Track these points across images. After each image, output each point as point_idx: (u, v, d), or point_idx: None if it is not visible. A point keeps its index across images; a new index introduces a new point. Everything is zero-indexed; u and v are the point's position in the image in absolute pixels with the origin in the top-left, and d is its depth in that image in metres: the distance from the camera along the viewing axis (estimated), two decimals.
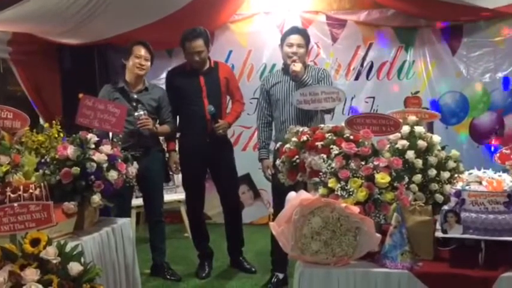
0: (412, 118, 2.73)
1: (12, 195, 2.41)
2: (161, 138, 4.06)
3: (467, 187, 2.29)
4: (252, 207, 5.40)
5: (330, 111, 3.51)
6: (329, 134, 2.75)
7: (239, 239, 4.14)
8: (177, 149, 4.04)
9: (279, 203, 3.33)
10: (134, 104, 3.71)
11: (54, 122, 3.19)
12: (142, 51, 3.72)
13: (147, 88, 3.80)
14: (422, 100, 5.01)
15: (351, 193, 2.26)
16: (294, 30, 3.63)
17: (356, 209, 2.14)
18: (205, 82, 3.85)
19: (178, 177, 4.43)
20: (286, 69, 3.59)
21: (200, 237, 4.10)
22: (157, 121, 3.85)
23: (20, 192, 2.43)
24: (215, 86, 3.88)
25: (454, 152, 2.63)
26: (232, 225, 4.10)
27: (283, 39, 3.60)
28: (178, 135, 4.05)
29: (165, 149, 4.08)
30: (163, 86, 4.03)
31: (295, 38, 3.54)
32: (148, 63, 3.76)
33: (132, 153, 3.22)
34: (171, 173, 4.11)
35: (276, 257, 3.66)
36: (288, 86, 3.57)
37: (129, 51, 3.74)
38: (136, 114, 3.64)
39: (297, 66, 3.44)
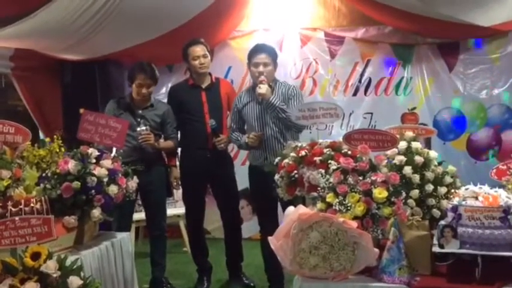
0: (409, 134, 2.76)
1: (13, 209, 2.43)
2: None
3: (463, 202, 2.32)
4: (250, 222, 5.36)
5: (301, 129, 3.52)
6: (327, 149, 2.78)
7: (238, 254, 4.13)
8: (177, 164, 4.06)
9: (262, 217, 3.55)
10: (138, 119, 3.74)
11: (55, 136, 3.22)
12: (146, 80, 3.71)
13: (152, 104, 3.83)
14: (420, 116, 5.10)
15: (348, 208, 2.28)
16: (259, 49, 3.59)
17: (354, 224, 2.16)
18: (207, 98, 3.89)
19: (178, 192, 4.43)
20: (255, 87, 3.56)
21: (199, 252, 4.10)
22: (162, 137, 3.88)
23: (21, 206, 2.45)
24: (217, 101, 3.92)
25: (451, 168, 2.65)
26: (232, 240, 4.10)
27: (249, 59, 3.58)
28: (179, 150, 4.07)
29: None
30: (164, 101, 4.06)
31: (260, 58, 3.53)
32: (151, 89, 3.79)
33: (134, 167, 3.24)
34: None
35: (271, 273, 3.67)
36: (258, 107, 3.57)
37: (132, 77, 3.76)
38: (138, 129, 3.66)
39: (262, 89, 3.42)
